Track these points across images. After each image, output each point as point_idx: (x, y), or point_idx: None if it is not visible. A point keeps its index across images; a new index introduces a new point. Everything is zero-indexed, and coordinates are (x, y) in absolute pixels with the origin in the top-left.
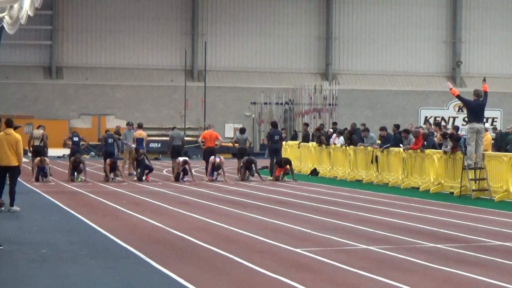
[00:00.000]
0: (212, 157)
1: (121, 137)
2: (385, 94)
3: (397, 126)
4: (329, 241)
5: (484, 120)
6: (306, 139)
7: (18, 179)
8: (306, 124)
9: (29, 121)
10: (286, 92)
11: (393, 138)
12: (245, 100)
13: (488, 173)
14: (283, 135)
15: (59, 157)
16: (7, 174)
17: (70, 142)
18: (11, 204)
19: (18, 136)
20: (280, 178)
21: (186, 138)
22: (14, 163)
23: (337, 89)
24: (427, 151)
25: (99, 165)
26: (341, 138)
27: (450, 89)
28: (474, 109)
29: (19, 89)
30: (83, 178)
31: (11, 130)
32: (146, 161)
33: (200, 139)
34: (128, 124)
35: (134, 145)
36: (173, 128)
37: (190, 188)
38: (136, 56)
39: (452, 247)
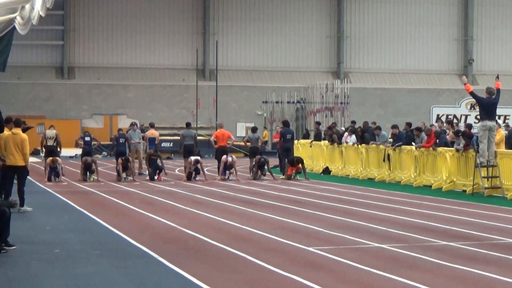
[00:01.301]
0: (224, 156)
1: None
2: (397, 92)
3: (409, 124)
4: (342, 239)
5: (496, 117)
6: (318, 137)
7: (31, 179)
8: (318, 123)
9: (41, 121)
10: (297, 91)
11: (405, 136)
12: (256, 99)
13: (500, 171)
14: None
15: (71, 157)
16: (16, 174)
17: (82, 142)
18: (21, 205)
19: (24, 136)
20: (292, 177)
21: (198, 138)
22: (21, 163)
23: (348, 87)
24: (439, 149)
25: (111, 164)
26: (353, 136)
27: (465, 84)
28: (487, 107)
29: (31, 89)
30: (96, 178)
31: (18, 130)
32: (158, 162)
33: (212, 138)
34: (131, 124)
35: (140, 143)
36: (187, 125)
37: (202, 187)
38: (148, 55)
39: (465, 245)
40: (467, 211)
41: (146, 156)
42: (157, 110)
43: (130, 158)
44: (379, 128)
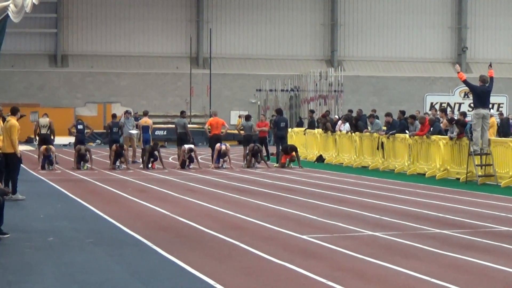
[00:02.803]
0: (218, 144)
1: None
2: (391, 80)
3: (402, 113)
4: (335, 227)
5: (490, 105)
6: (311, 125)
7: (24, 167)
8: (312, 111)
9: (34, 109)
10: (291, 79)
11: (398, 124)
12: (250, 87)
13: (494, 159)
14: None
15: (64, 145)
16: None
17: (75, 130)
18: (13, 193)
19: (12, 122)
20: (286, 165)
21: (191, 126)
22: (9, 149)
23: (342, 75)
24: (433, 137)
25: (105, 153)
26: (347, 124)
27: (458, 72)
28: (480, 95)
29: (24, 77)
30: (89, 166)
31: (10, 117)
32: (155, 152)
33: (206, 126)
34: (125, 112)
35: (135, 132)
36: (181, 113)
37: (196, 175)
38: (142, 43)
39: (459, 233)
40: (461, 199)
41: (146, 152)
42: (151, 98)
43: (125, 146)
44: (373, 116)
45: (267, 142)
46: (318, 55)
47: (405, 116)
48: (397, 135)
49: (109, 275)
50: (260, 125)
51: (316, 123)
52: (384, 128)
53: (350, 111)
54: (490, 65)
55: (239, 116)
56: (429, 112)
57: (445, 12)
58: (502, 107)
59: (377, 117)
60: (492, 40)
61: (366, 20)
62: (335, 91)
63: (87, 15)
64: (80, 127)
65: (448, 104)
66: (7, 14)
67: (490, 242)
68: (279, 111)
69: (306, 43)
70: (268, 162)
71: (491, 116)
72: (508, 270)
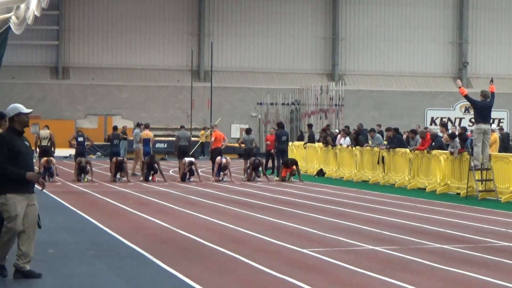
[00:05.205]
0: (218, 158)
1: (132, 138)
2: (392, 95)
3: (396, 130)
4: (336, 241)
5: (491, 121)
6: (310, 140)
7: None
8: (310, 125)
9: (35, 121)
10: (292, 93)
11: (395, 140)
12: (251, 101)
13: (494, 174)
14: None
15: (65, 157)
16: None
17: (75, 142)
18: None
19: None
20: (287, 179)
21: (192, 139)
22: None
23: (343, 89)
24: (434, 151)
25: (105, 165)
26: (347, 138)
27: (459, 87)
28: (481, 110)
29: (25, 89)
30: (90, 178)
31: None
32: (155, 165)
33: (212, 139)
34: (139, 125)
35: (139, 145)
36: (181, 127)
37: (196, 189)
38: (143, 56)
39: (459, 248)
40: (461, 214)
41: (144, 164)
42: (152, 111)
43: (124, 159)
44: (373, 130)
45: (274, 155)
46: (319, 69)
47: (399, 132)
48: (397, 149)
49: None
50: (269, 138)
51: (316, 136)
52: (385, 142)
53: (347, 127)
54: (492, 81)
55: (204, 129)
56: (430, 127)
57: (446, 27)
58: (502, 122)
59: (381, 132)
60: (493, 55)
61: (367, 35)
62: (336, 105)
63: (88, 27)
64: (80, 139)
65: (449, 119)
66: (9, 26)
67: (490, 257)
68: (280, 125)
69: (307, 57)
70: (268, 176)
71: (493, 131)
72: (508, 286)
